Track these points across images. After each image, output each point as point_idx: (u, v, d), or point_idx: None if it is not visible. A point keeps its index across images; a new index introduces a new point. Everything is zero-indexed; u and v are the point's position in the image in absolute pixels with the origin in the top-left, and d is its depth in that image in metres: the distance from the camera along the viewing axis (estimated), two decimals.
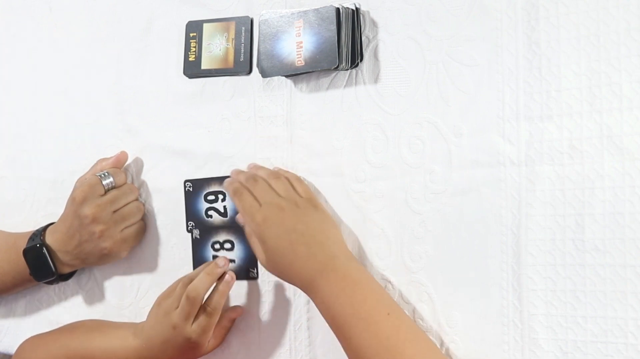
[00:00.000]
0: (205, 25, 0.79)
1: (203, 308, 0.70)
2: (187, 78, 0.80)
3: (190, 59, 0.79)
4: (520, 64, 0.63)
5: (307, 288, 0.64)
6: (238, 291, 0.77)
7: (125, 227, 0.78)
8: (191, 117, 0.80)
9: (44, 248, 0.76)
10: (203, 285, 0.70)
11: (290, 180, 0.71)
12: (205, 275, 0.70)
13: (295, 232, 0.64)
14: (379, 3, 0.70)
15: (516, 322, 0.63)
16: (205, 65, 0.78)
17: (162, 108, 0.81)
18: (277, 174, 0.71)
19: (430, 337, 0.65)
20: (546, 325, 0.62)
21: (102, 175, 0.77)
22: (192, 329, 0.69)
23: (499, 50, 0.64)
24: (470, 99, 0.65)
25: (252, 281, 0.76)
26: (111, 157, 0.81)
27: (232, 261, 0.76)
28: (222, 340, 0.75)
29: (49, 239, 0.77)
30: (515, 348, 0.63)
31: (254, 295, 0.76)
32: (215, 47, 0.78)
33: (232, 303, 0.77)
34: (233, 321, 0.76)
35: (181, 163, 0.80)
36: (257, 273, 0.75)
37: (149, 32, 0.83)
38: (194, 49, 0.79)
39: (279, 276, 0.68)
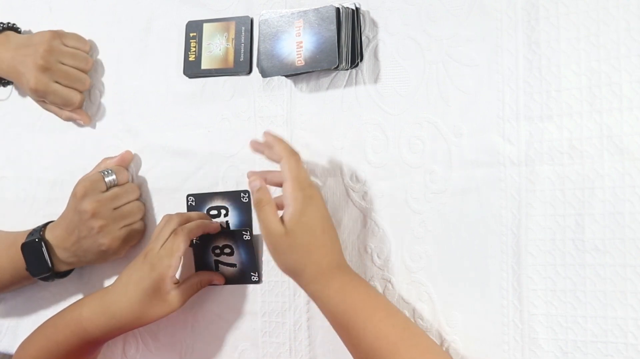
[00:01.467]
0: (205, 25, 0.79)
1: (175, 232, 0.71)
2: (187, 78, 0.80)
3: (190, 59, 0.79)
4: (520, 64, 0.63)
5: (318, 280, 0.64)
6: (238, 291, 0.77)
7: (125, 225, 0.78)
8: (191, 117, 0.80)
9: (42, 243, 0.76)
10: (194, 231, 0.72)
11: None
12: (197, 227, 0.73)
13: (329, 220, 0.67)
14: (379, 3, 0.70)
15: (516, 322, 0.63)
16: (205, 65, 0.78)
17: (162, 108, 0.81)
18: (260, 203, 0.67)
19: (430, 337, 0.65)
20: (546, 325, 0.62)
21: (105, 172, 0.78)
22: (159, 253, 0.70)
23: (499, 50, 0.64)
24: (470, 99, 0.65)
25: (250, 283, 0.76)
26: (116, 156, 0.81)
27: (233, 265, 0.76)
28: (188, 298, 0.73)
29: (49, 235, 0.78)
30: (515, 348, 0.63)
31: (254, 295, 0.76)
32: (215, 47, 0.78)
33: (232, 301, 0.77)
34: (204, 285, 0.76)
35: (181, 163, 0.80)
36: (259, 277, 0.75)
37: (149, 32, 0.83)
38: (194, 49, 0.79)
39: (287, 270, 0.67)
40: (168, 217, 0.74)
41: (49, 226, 0.79)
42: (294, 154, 0.67)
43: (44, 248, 0.76)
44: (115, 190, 0.77)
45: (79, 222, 0.75)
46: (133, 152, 0.83)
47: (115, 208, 0.77)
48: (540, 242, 0.62)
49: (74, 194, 0.77)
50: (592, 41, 0.61)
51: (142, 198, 0.82)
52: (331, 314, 0.64)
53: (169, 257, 0.70)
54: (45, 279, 0.79)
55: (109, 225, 0.76)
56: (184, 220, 0.73)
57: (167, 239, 0.71)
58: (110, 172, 0.78)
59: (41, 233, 0.78)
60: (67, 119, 0.85)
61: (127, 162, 0.82)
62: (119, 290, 0.71)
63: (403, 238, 0.68)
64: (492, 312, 0.64)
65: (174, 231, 0.71)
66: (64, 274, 0.81)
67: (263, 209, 0.65)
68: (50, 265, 0.77)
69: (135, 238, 0.80)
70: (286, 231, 0.64)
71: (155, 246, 0.71)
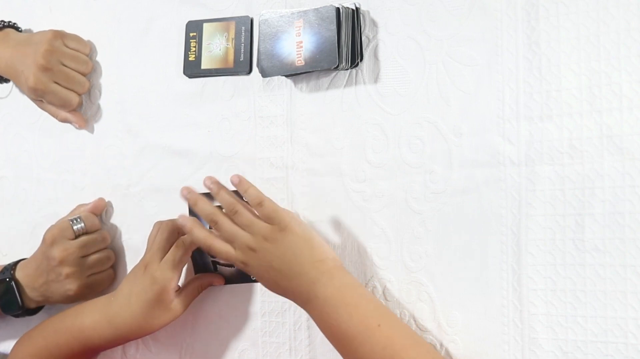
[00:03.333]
0: (205, 25, 0.79)
1: (176, 244, 0.72)
2: (187, 78, 0.80)
3: (190, 59, 0.79)
4: (520, 64, 0.63)
5: (306, 310, 0.66)
6: (238, 291, 0.77)
7: (93, 274, 0.79)
8: (191, 117, 0.80)
9: (13, 282, 0.77)
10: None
11: (251, 206, 0.67)
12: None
13: (273, 270, 0.64)
14: (379, 3, 0.70)
15: (516, 322, 0.63)
16: (205, 65, 0.78)
17: (162, 108, 0.81)
18: (234, 207, 0.67)
19: (430, 337, 0.65)
20: (546, 325, 0.62)
21: (74, 221, 0.79)
22: (160, 266, 0.70)
23: (499, 50, 0.64)
24: (470, 99, 0.65)
25: (250, 282, 0.76)
26: (89, 203, 0.83)
27: (231, 265, 0.76)
28: (190, 303, 0.74)
29: (19, 274, 0.78)
30: (515, 347, 0.63)
31: (254, 296, 0.76)
32: (215, 47, 0.78)
33: (232, 301, 0.77)
34: (204, 288, 0.76)
35: (181, 163, 0.80)
36: None
37: (149, 32, 0.83)
38: (194, 49, 0.79)
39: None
40: (159, 225, 0.74)
41: (19, 264, 0.80)
42: (194, 226, 0.69)
43: (14, 287, 0.77)
44: (84, 239, 0.78)
45: (47, 267, 0.77)
46: (133, 152, 0.83)
47: (83, 256, 0.78)
48: (540, 242, 0.62)
49: (43, 240, 0.78)
50: (592, 41, 0.61)
51: (113, 245, 0.83)
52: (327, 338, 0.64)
53: (170, 270, 0.70)
54: (16, 316, 0.80)
55: (76, 273, 0.77)
56: (176, 227, 0.73)
57: (164, 248, 0.71)
58: (79, 219, 0.79)
59: (12, 271, 0.78)
60: (63, 120, 0.85)
61: (100, 210, 0.83)
62: (121, 302, 0.71)
63: (403, 238, 0.68)
64: (492, 312, 0.64)
65: (176, 244, 0.72)
66: (34, 311, 0.82)
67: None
68: (20, 303, 0.78)
69: (102, 285, 0.81)
70: (280, 227, 0.64)
71: (155, 259, 0.71)
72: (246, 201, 0.68)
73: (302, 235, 0.65)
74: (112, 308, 0.72)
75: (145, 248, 0.74)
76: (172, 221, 0.74)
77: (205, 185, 0.70)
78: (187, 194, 0.71)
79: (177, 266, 0.71)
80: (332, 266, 0.65)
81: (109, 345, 0.73)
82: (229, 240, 0.66)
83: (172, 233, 0.73)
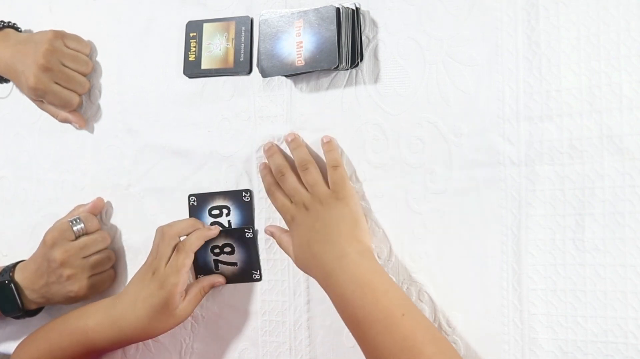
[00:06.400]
0: (205, 25, 0.79)
1: (177, 248, 0.72)
2: (187, 78, 0.80)
3: (190, 59, 0.79)
4: (520, 64, 0.63)
5: (323, 285, 0.65)
6: (238, 291, 0.77)
7: (94, 274, 0.79)
8: (191, 117, 0.80)
9: (12, 284, 0.77)
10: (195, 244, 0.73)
11: (328, 166, 0.70)
12: (198, 238, 0.74)
13: (313, 230, 0.66)
14: (379, 3, 0.70)
15: (516, 322, 0.63)
16: (205, 65, 0.78)
17: (162, 108, 0.81)
18: (306, 164, 0.70)
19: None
20: (546, 325, 0.62)
21: (73, 221, 0.79)
22: (165, 271, 0.71)
23: (499, 50, 0.64)
24: (470, 99, 0.65)
25: (252, 281, 0.76)
26: (88, 204, 0.83)
27: (234, 264, 0.76)
28: (194, 308, 0.74)
29: (18, 276, 0.78)
30: (515, 347, 0.63)
31: (254, 295, 0.76)
32: (215, 47, 0.78)
33: (232, 301, 0.77)
34: (207, 291, 0.76)
35: (181, 163, 0.80)
36: (260, 275, 0.75)
37: (149, 32, 0.83)
38: (194, 49, 0.79)
39: (305, 272, 0.69)
40: (161, 230, 0.74)
41: (18, 266, 0.80)
42: (264, 177, 0.74)
43: (13, 289, 0.77)
44: (84, 240, 0.78)
45: (47, 268, 0.77)
46: (133, 152, 0.83)
47: (84, 257, 0.78)
48: (540, 242, 0.62)
49: (43, 242, 0.78)
50: (592, 41, 0.61)
51: (113, 245, 0.83)
52: (342, 319, 0.63)
53: (175, 275, 0.71)
54: (17, 318, 0.80)
55: (77, 274, 0.77)
56: (178, 231, 0.74)
57: (170, 255, 0.72)
58: (78, 220, 0.79)
59: (11, 274, 0.79)
60: (63, 121, 0.85)
61: (99, 210, 0.83)
62: (126, 305, 0.72)
63: (403, 238, 0.68)
64: (492, 312, 0.64)
65: (177, 248, 0.72)
66: (34, 312, 0.82)
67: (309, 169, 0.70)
68: (20, 305, 0.78)
69: (103, 285, 0.81)
70: (294, 257, 0.69)
71: (160, 264, 0.71)
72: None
73: (354, 211, 0.68)
74: (117, 310, 0.72)
75: (150, 252, 0.74)
76: (172, 225, 0.74)
77: (286, 139, 0.73)
78: (268, 146, 0.74)
79: (181, 271, 0.71)
80: (366, 249, 0.66)
81: (111, 347, 0.73)
82: (290, 194, 0.70)
83: (176, 238, 0.73)
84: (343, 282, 0.62)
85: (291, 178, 0.71)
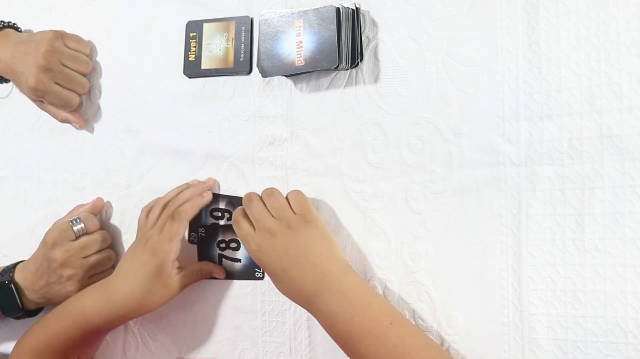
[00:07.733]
0: (205, 25, 0.79)
1: (171, 215, 0.72)
2: (187, 78, 0.80)
3: (190, 59, 0.79)
4: (520, 64, 0.63)
5: (308, 308, 0.65)
6: (238, 291, 0.77)
7: (94, 274, 0.79)
8: (191, 117, 0.80)
9: (12, 285, 0.77)
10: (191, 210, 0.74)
11: (287, 195, 0.70)
12: (193, 206, 0.74)
13: (287, 256, 0.65)
14: (379, 3, 0.70)
15: (516, 322, 0.63)
16: (205, 65, 0.78)
17: (162, 108, 0.81)
18: (271, 190, 0.70)
19: (431, 337, 0.65)
20: (546, 325, 0.62)
21: (74, 221, 0.79)
22: (159, 239, 0.71)
23: (499, 50, 0.64)
24: (470, 99, 0.65)
25: (251, 281, 0.76)
26: (88, 204, 0.83)
27: (237, 260, 0.76)
28: (188, 284, 0.74)
29: (18, 276, 0.79)
30: (516, 347, 0.63)
31: (254, 295, 0.76)
32: (215, 47, 0.78)
33: (232, 301, 0.77)
34: (205, 275, 0.76)
35: (181, 163, 0.80)
36: (263, 273, 0.75)
37: (149, 32, 0.83)
38: (194, 49, 0.79)
39: (290, 299, 0.68)
40: (149, 206, 0.75)
41: (18, 266, 0.80)
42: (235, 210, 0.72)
43: (13, 290, 0.77)
44: (85, 240, 0.79)
45: (48, 269, 0.77)
46: (133, 152, 0.83)
47: (85, 257, 0.78)
48: (540, 242, 0.62)
49: (44, 242, 0.78)
50: (592, 41, 0.61)
51: (113, 245, 0.83)
52: (332, 337, 0.63)
53: (168, 243, 0.71)
54: (17, 318, 0.80)
55: (78, 274, 0.77)
56: (168, 198, 0.75)
57: (162, 224, 0.72)
58: (78, 220, 0.79)
59: (11, 274, 0.79)
60: (63, 121, 0.85)
61: (99, 210, 0.83)
62: (120, 278, 0.72)
63: (403, 238, 0.68)
64: (492, 312, 0.64)
65: (171, 216, 0.72)
66: (34, 312, 0.82)
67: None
68: (21, 305, 0.78)
69: None
70: (273, 283, 0.67)
71: (153, 233, 0.72)
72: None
73: (324, 231, 0.68)
74: (111, 285, 0.72)
75: (137, 230, 0.75)
76: (161, 198, 0.76)
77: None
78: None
79: (175, 239, 0.71)
80: (346, 264, 0.66)
81: (108, 325, 0.73)
82: (255, 219, 0.68)
83: (172, 206, 0.74)
84: (330, 299, 0.62)
85: (258, 204, 0.69)
